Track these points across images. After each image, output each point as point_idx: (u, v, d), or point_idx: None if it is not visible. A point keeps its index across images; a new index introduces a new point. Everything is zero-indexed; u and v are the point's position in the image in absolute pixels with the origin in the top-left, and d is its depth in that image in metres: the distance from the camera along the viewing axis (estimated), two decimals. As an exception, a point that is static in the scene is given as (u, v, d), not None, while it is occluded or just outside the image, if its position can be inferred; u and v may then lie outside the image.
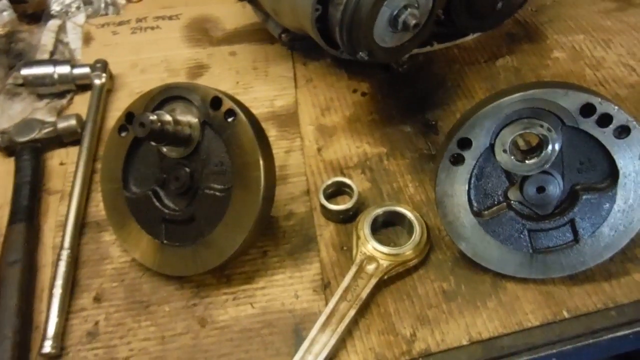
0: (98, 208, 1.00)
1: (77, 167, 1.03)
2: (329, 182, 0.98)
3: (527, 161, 0.80)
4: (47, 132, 1.07)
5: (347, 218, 0.96)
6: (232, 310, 0.88)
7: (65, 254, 0.91)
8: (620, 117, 0.75)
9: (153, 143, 0.86)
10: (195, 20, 1.34)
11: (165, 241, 0.88)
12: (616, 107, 0.75)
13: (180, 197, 0.88)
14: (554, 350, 0.82)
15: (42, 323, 0.85)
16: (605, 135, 0.77)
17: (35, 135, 1.07)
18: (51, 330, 0.84)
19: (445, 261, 0.91)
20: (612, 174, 0.80)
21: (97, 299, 0.90)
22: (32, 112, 1.15)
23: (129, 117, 0.91)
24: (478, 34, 1.22)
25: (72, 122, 1.08)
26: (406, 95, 1.16)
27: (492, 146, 0.80)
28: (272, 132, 1.09)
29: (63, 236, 0.94)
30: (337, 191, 0.99)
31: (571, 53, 1.21)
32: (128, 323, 0.87)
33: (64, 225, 0.95)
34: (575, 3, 1.32)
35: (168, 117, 0.83)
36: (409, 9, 0.90)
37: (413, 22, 0.90)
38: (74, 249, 0.93)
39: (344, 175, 1.02)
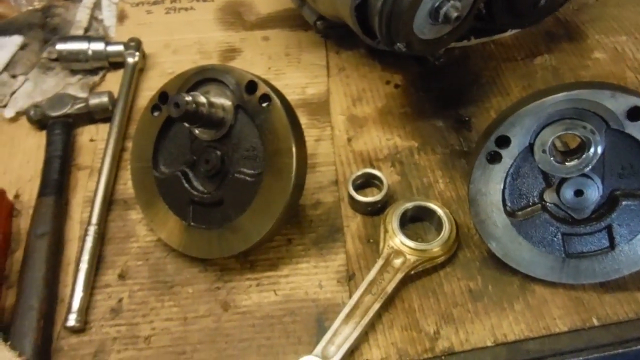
0: (126, 186, 1.00)
1: (107, 144, 1.03)
2: (359, 173, 0.96)
3: (567, 163, 0.77)
4: (79, 107, 1.08)
5: (375, 211, 0.95)
6: (255, 296, 0.87)
7: (92, 229, 0.92)
8: (670, 123, 0.73)
9: (186, 124, 0.86)
10: (229, 3, 1.33)
11: (192, 223, 0.88)
12: (666, 112, 0.72)
13: (209, 180, 0.87)
14: (581, 358, 0.80)
15: (67, 297, 0.86)
16: (651, 141, 0.74)
17: (67, 110, 1.07)
18: (76, 304, 0.85)
19: (473, 260, 0.89)
20: (655, 181, 0.78)
21: (122, 276, 0.90)
22: (64, 87, 1.16)
23: (162, 96, 0.91)
24: (516, 30, 1.19)
25: (104, 99, 1.08)
26: (440, 90, 1.14)
27: (531, 146, 0.78)
28: (302, 120, 1.05)
29: (91, 212, 0.94)
30: (366, 183, 0.98)
31: (612, 54, 1.18)
32: (151, 302, 0.87)
33: (92, 201, 0.96)
34: (619, 3, 1.28)
35: (202, 99, 0.82)
36: (451, 1, 0.88)
37: (455, 14, 0.88)
38: (101, 225, 0.94)
39: (373, 167, 1.01)
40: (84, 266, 0.88)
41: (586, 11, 1.27)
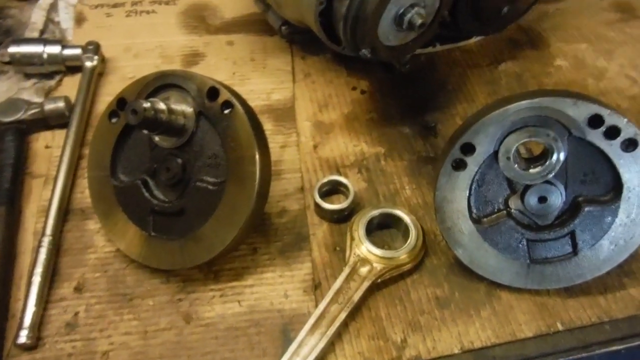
0: (83, 195, 0.96)
1: (63, 151, 0.99)
2: (325, 180, 0.95)
3: (530, 170, 0.78)
4: (33, 113, 1.03)
5: (342, 218, 0.93)
6: (219, 307, 0.85)
7: (46, 240, 0.88)
8: (629, 130, 0.74)
9: (145, 131, 0.83)
10: (192, 6, 1.30)
11: (152, 233, 0.85)
12: (625, 120, 0.73)
13: (170, 188, 0.85)
14: (546, 363, 0.81)
15: (19, 312, 0.82)
16: (611, 148, 0.75)
17: (20, 115, 1.03)
18: (28, 319, 0.81)
19: (440, 267, 0.89)
20: (616, 187, 0.79)
21: (78, 289, 0.86)
22: (18, 92, 1.11)
23: (120, 102, 0.88)
24: (481, 37, 1.20)
25: (60, 104, 1.04)
26: (406, 96, 1.14)
27: (495, 153, 0.78)
28: (267, 126, 1.06)
29: (45, 222, 0.90)
30: (333, 190, 0.97)
31: (574, 62, 1.20)
32: (109, 315, 0.84)
33: (47, 211, 0.92)
34: (579, 12, 1.31)
35: (162, 106, 0.80)
36: (415, 8, 0.88)
37: (419, 21, 0.88)
38: (56, 236, 0.90)
39: (339, 173, 1.00)
40: (37, 279, 0.84)
41: (547, 19, 1.29)
